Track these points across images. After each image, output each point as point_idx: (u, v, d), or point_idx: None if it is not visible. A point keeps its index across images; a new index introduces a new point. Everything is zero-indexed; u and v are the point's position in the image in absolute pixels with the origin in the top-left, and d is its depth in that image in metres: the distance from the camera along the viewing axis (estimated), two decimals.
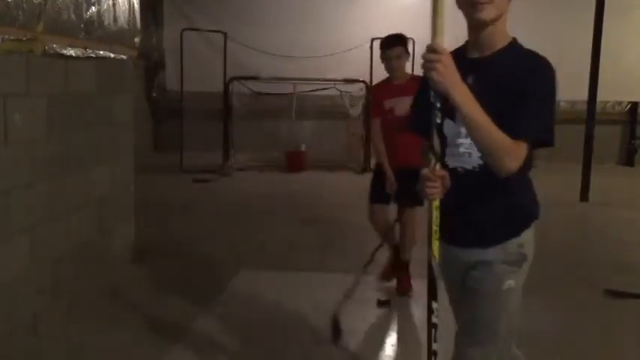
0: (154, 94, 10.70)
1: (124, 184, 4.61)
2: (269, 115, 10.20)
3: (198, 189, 7.96)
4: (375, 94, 4.08)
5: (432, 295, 1.84)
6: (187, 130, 9.41)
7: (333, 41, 10.02)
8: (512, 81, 1.79)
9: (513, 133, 1.72)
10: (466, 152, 1.90)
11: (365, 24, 9.87)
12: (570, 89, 9.47)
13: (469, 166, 1.91)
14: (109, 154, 4.32)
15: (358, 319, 3.67)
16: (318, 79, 9.55)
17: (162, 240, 5.28)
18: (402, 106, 3.77)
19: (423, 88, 1.87)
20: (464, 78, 1.70)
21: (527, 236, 1.98)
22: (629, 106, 10.77)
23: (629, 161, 10.66)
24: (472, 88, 1.71)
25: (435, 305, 1.84)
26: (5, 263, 3.05)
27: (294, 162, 9.61)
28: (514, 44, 1.91)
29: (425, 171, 1.76)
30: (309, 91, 9.91)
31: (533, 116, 1.77)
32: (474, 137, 1.74)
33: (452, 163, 1.92)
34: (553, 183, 8.68)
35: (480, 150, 1.79)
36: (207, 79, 9.68)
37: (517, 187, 1.93)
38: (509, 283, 1.98)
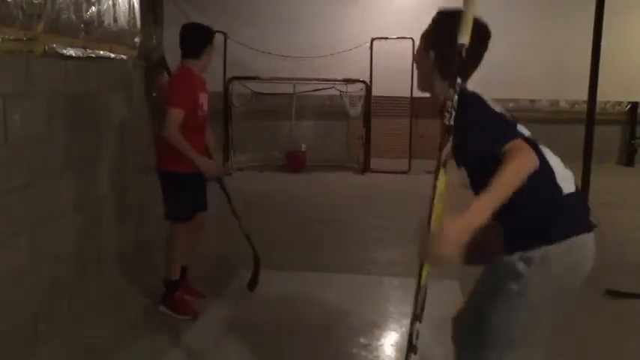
0: (154, 94, 10.68)
1: (124, 184, 4.61)
2: (269, 115, 10.19)
3: None
4: (190, 82, 3.67)
5: (416, 316, 1.77)
6: None
7: (333, 41, 10.01)
8: None
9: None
10: None
11: (365, 24, 9.87)
12: (570, 89, 9.57)
13: None
14: (108, 153, 4.32)
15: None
16: (318, 79, 9.55)
17: (161, 240, 5.28)
18: (205, 103, 3.73)
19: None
20: None
21: (538, 255, 1.78)
22: (629, 106, 10.77)
23: (629, 161, 10.66)
24: None
25: (417, 327, 1.76)
26: (5, 263, 3.05)
27: (294, 162, 9.61)
28: None
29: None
30: (309, 91, 9.91)
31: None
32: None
33: None
34: None
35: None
36: (207, 79, 9.66)
37: (524, 201, 1.72)
38: (508, 289, 1.82)
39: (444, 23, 1.97)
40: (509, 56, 10.09)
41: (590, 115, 7.62)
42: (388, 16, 9.89)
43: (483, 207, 1.61)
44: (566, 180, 1.84)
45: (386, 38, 9.50)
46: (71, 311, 3.61)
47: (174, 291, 3.76)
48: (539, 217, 1.81)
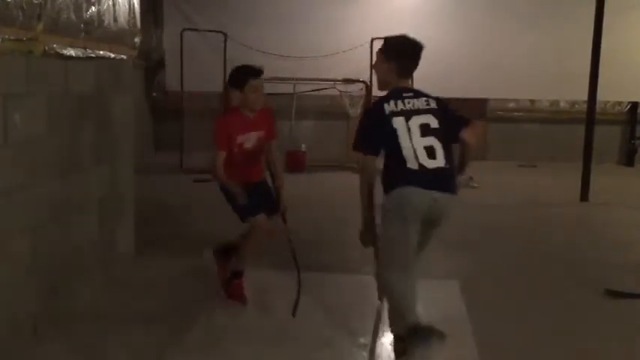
0: (154, 94, 10.69)
1: (124, 184, 4.61)
2: None
3: (199, 189, 7.96)
4: (227, 126, 3.82)
5: None
6: (187, 130, 9.40)
7: (333, 41, 10.02)
8: None
9: None
10: None
11: (365, 24, 9.86)
12: (570, 89, 9.60)
13: None
14: (109, 154, 4.32)
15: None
16: (318, 79, 9.54)
17: (162, 240, 5.28)
18: (251, 140, 3.83)
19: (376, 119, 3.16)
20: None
21: (388, 195, 3.09)
22: (629, 106, 10.77)
23: (629, 161, 10.66)
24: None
25: None
26: (5, 263, 3.05)
27: (294, 162, 9.60)
28: None
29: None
30: (309, 91, 9.91)
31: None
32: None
33: None
34: (553, 183, 8.69)
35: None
36: (207, 79, 9.67)
37: (386, 171, 3.14)
38: (383, 211, 3.12)
39: (395, 43, 3.29)
40: (510, 56, 10.10)
41: (590, 115, 7.62)
42: (388, 16, 9.88)
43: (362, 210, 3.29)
44: (411, 162, 3.03)
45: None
46: (71, 311, 3.61)
47: (234, 279, 3.95)
48: (390, 178, 3.10)
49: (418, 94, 3.22)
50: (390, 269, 3.07)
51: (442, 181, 3.04)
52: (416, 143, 3.04)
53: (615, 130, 10.71)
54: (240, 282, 3.97)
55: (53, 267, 3.51)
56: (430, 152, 3.04)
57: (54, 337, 3.30)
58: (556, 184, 8.52)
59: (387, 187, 3.08)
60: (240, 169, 3.87)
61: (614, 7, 7.65)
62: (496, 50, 9.93)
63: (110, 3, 4.02)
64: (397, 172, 3.05)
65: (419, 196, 2.99)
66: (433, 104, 3.19)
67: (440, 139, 3.08)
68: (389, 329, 3.20)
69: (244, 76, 3.77)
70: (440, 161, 3.04)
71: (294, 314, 3.70)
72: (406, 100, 3.14)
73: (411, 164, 3.01)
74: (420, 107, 3.14)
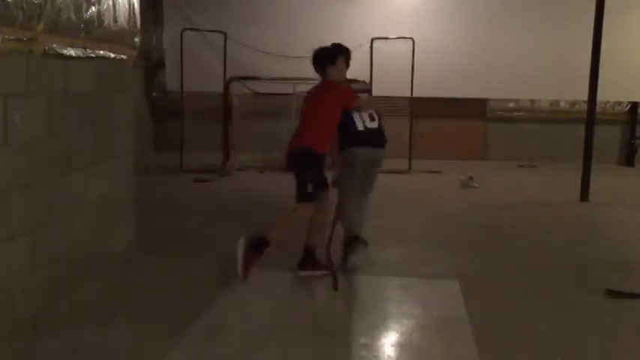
0: (154, 94, 10.69)
1: (124, 184, 4.61)
2: (269, 115, 10.19)
3: (199, 189, 7.96)
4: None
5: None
6: (187, 130, 9.40)
7: (333, 41, 10.00)
8: None
9: None
10: None
11: (365, 24, 9.86)
12: (570, 89, 9.59)
13: None
14: (109, 154, 4.32)
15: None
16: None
17: (161, 240, 5.28)
18: None
19: None
20: None
21: (344, 152, 4.60)
22: (629, 106, 10.76)
23: (629, 161, 10.65)
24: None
25: None
26: (5, 263, 3.05)
27: None
28: None
29: None
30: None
31: None
32: None
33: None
34: (553, 183, 8.69)
35: None
36: (207, 79, 9.67)
37: (344, 134, 4.61)
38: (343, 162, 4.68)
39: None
40: (510, 56, 10.09)
41: (590, 115, 7.62)
42: (388, 16, 9.88)
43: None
44: (359, 126, 4.54)
45: (386, 38, 9.50)
46: (71, 311, 3.61)
47: (259, 248, 4.25)
48: (345, 140, 4.57)
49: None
50: (347, 198, 4.65)
51: (376, 139, 4.63)
52: (363, 114, 4.59)
53: (615, 130, 10.70)
54: (257, 255, 4.22)
55: (53, 267, 3.51)
56: (371, 118, 4.60)
57: (54, 337, 3.30)
58: (556, 184, 8.52)
59: (341, 147, 4.59)
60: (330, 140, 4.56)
61: (614, 7, 7.65)
62: (496, 50, 9.92)
63: (110, 3, 4.02)
64: (351, 134, 4.54)
65: (361, 151, 4.55)
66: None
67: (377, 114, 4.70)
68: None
69: (335, 51, 4.79)
70: (375, 124, 4.60)
71: (335, 288, 4.11)
72: None
73: (360, 127, 4.54)
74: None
